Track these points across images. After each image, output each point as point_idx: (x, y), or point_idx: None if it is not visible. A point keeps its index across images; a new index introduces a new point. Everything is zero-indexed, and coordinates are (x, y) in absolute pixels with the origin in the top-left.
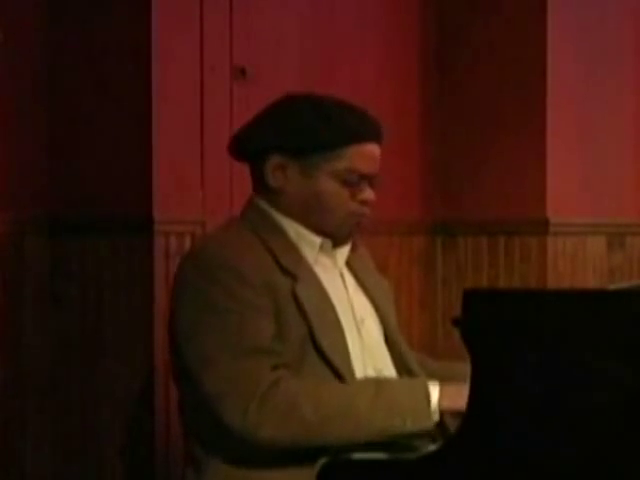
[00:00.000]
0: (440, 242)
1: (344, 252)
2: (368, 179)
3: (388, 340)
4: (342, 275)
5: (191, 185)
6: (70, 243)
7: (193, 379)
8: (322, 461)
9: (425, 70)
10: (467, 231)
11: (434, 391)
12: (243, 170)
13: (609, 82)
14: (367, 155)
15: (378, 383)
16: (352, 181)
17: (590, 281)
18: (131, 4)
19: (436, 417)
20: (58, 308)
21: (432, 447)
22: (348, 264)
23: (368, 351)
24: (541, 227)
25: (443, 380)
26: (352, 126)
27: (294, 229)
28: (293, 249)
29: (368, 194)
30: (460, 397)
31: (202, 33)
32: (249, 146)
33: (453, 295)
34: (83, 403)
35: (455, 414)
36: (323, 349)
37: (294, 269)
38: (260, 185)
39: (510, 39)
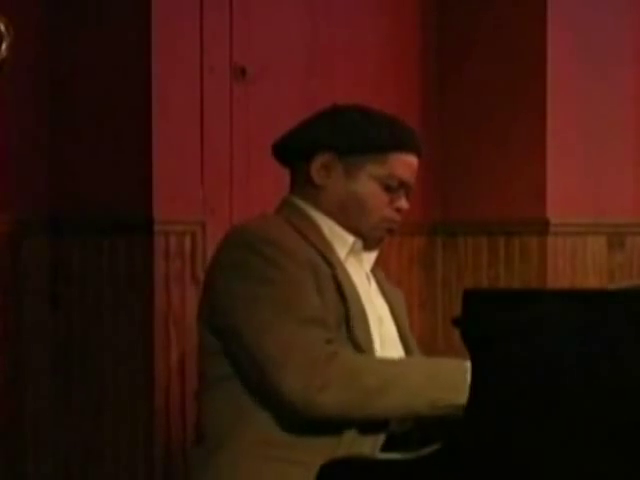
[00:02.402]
0: (440, 242)
1: (371, 257)
2: (405, 188)
3: (401, 341)
4: (368, 277)
5: (191, 185)
6: (70, 243)
7: (250, 349)
8: (345, 446)
9: (425, 70)
10: (467, 231)
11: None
12: (243, 170)
13: (609, 82)
14: (408, 164)
15: (427, 359)
16: (392, 187)
17: (590, 281)
18: (131, 4)
19: None
20: (58, 308)
21: (432, 447)
22: (371, 271)
23: (386, 348)
24: (541, 227)
25: None
26: (397, 134)
27: (328, 226)
28: (327, 243)
29: (403, 202)
30: None
31: (202, 33)
32: (299, 144)
33: (453, 295)
34: (83, 403)
35: None
36: (356, 335)
37: (331, 258)
38: (301, 183)
39: (510, 39)
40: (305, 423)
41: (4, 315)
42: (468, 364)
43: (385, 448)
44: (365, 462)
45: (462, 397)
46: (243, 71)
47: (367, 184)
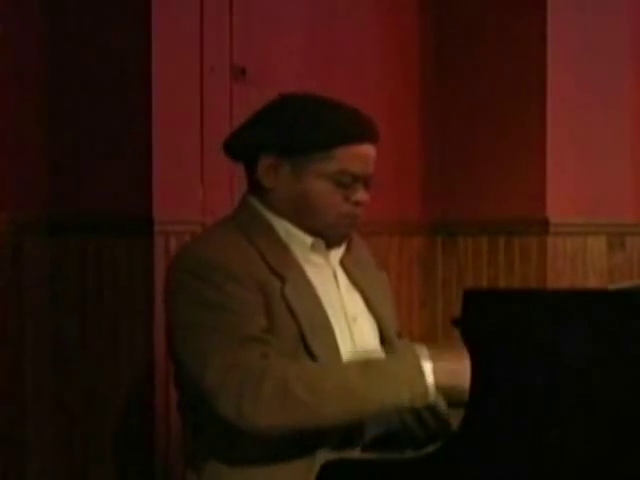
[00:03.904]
0: (440, 242)
1: (338, 252)
2: (362, 180)
3: (384, 337)
4: (335, 274)
5: (191, 185)
6: (70, 243)
7: (191, 378)
8: (321, 461)
9: (425, 70)
10: (467, 231)
11: (426, 365)
12: (243, 170)
13: (608, 83)
14: (360, 156)
15: (368, 360)
16: (345, 182)
17: (590, 281)
18: (131, 4)
19: (432, 388)
20: (58, 308)
21: (432, 447)
22: (342, 263)
23: (360, 348)
24: (541, 227)
25: None
26: (344, 127)
27: (285, 228)
28: (282, 248)
29: (361, 195)
30: (455, 373)
31: (202, 33)
32: (242, 146)
33: (453, 295)
34: (83, 403)
35: (449, 390)
36: (313, 350)
37: (282, 269)
38: (253, 184)
39: (511, 38)
40: (270, 446)
41: (4, 315)
42: (423, 360)
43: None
44: (365, 462)
45: (416, 393)
46: (243, 71)
47: (316, 183)
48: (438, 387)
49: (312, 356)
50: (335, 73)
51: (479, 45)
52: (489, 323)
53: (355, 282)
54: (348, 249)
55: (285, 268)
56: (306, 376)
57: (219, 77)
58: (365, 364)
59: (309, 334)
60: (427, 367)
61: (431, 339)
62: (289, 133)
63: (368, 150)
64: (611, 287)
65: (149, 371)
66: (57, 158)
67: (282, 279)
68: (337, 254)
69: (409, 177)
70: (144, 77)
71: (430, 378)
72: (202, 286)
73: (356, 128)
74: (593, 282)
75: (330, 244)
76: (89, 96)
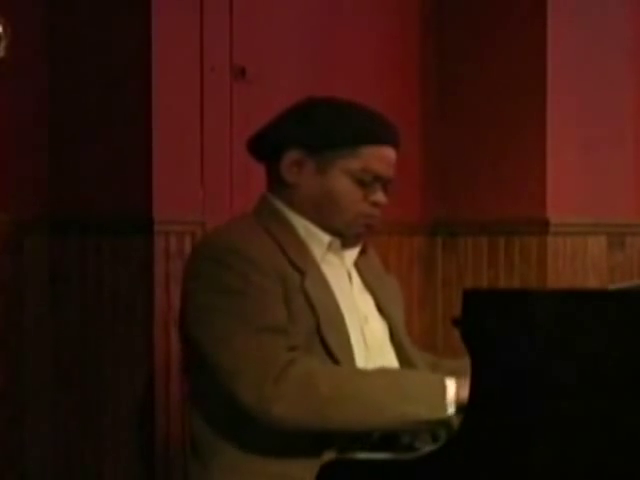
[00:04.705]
0: (440, 242)
1: (353, 253)
2: (382, 182)
3: (394, 339)
4: (349, 274)
5: (191, 185)
6: (70, 243)
7: (208, 361)
8: (323, 460)
9: (425, 70)
10: (467, 231)
11: (450, 384)
12: (243, 170)
13: (609, 83)
14: (383, 157)
15: (394, 371)
16: (366, 181)
17: (590, 281)
18: (131, 4)
19: (452, 409)
20: (58, 308)
21: (432, 447)
22: (356, 265)
23: (371, 349)
24: (541, 227)
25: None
26: (371, 127)
27: (304, 226)
28: (301, 245)
29: (380, 197)
30: None
31: (202, 33)
32: (268, 142)
33: (453, 295)
34: (83, 403)
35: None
36: (328, 343)
37: (302, 264)
38: (275, 182)
39: (511, 38)
40: (283, 437)
41: (4, 315)
42: (449, 381)
43: (385, 449)
44: (365, 462)
45: (436, 412)
46: (243, 71)
47: (339, 179)
48: (460, 402)
49: (326, 348)
50: (335, 73)
51: (479, 45)
52: (489, 323)
53: (367, 284)
54: (363, 253)
55: (304, 263)
56: (331, 375)
57: (219, 77)
58: (392, 375)
59: (325, 327)
60: (451, 383)
61: (431, 339)
62: (316, 129)
63: (391, 153)
64: (611, 287)
65: (149, 371)
66: (57, 158)
67: (302, 272)
68: (352, 255)
69: (409, 177)
70: (144, 77)
71: (452, 393)
72: (224, 272)
73: (383, 130)
74: (593, 282)
75: (346, 244)
76: (89, 96)
